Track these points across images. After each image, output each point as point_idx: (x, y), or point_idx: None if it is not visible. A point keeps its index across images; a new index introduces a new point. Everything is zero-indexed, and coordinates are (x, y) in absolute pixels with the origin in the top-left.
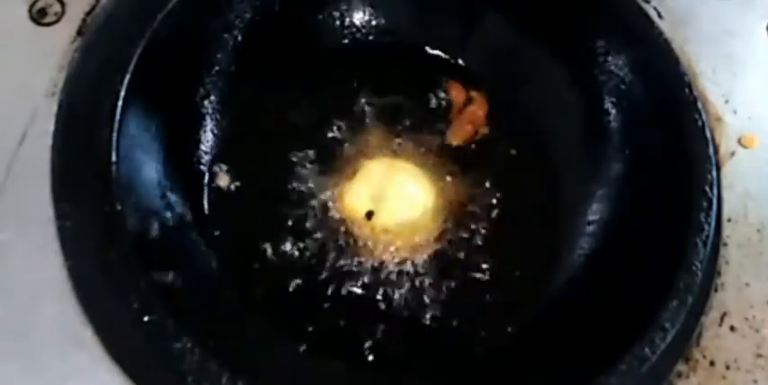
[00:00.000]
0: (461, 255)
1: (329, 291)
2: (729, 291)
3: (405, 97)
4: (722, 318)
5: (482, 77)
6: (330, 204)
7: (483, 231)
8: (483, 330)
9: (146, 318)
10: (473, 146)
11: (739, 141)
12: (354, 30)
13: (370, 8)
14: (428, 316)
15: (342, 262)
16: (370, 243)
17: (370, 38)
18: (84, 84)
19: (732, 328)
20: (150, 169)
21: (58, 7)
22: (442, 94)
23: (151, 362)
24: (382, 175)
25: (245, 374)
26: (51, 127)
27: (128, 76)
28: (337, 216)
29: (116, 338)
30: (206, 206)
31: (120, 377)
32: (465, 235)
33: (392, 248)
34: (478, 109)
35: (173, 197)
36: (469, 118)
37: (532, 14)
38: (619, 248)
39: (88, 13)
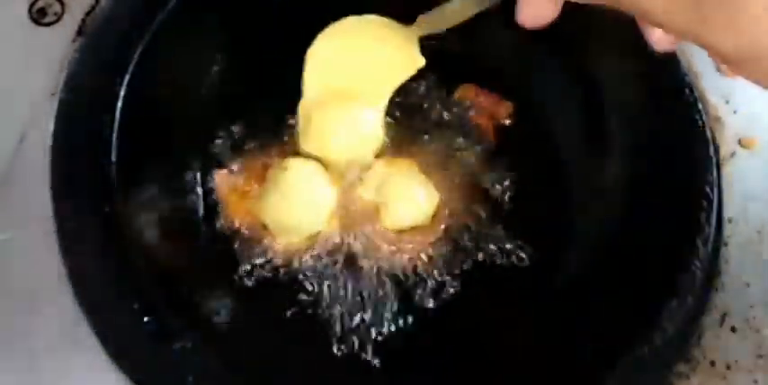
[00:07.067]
0: (460, 256)
1: (336, 292)
2: (730, 292)
3: (406, 96)
4: (723, 319)
5: (481, 77)
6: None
7: (484, 231)
8: (482, 331)
9: (146, 319)
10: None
11: (739, 142)
12: None
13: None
14: (427, 314)
15: (347, 261)
16: (376, 241)
17: None
18: (84, 84)
19: (733, 329)
20: (150, 169)
21: (57, 7)
22: (444, 93)
23: (151, 362)
24: (386, 173)
25: (244, 374)
26: (51, 127)
27: (127, 77)
28: (342, 215)
29: (116, 338)
30: (206, 205)
31: (120, 377)
32: (464, 236)
33: (395, 247)
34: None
35: (172, 197)
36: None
37: None
38: (619, 248)
39: (88, 13)
